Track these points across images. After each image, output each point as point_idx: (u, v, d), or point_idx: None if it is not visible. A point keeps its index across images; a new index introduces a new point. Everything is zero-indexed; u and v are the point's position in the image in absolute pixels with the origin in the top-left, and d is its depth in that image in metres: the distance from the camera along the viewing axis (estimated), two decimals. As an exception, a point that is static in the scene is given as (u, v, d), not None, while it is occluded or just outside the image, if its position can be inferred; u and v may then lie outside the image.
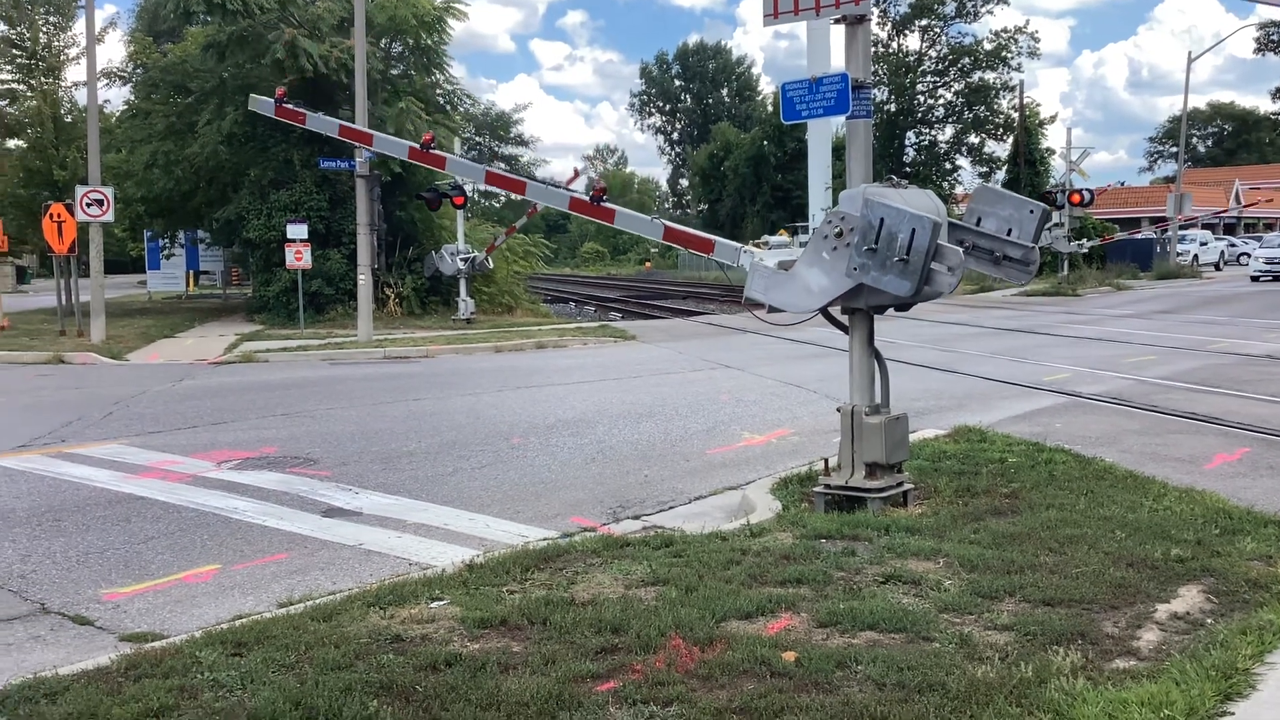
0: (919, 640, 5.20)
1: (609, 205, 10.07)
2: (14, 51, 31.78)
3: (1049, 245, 38.95)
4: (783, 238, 8.18)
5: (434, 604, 5.87)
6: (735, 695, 4.55)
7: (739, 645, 5.07)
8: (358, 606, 5.81)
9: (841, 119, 8.54)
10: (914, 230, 7.27)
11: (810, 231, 8.58)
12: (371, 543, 7.87)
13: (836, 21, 8.29)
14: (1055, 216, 39.55)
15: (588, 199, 10.09)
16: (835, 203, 8.18)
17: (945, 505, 8.07)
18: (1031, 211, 8.28)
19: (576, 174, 28.65)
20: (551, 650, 5.05)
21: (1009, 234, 8.25)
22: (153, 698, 4.48)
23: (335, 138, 30.28)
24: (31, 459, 10.69)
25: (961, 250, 7.72)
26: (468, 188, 31.65)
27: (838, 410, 8.32)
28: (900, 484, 8.25)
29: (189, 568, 7.29)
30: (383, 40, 33.54)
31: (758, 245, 8.41)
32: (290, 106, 13.90)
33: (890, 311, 8.45)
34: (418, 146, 11.90)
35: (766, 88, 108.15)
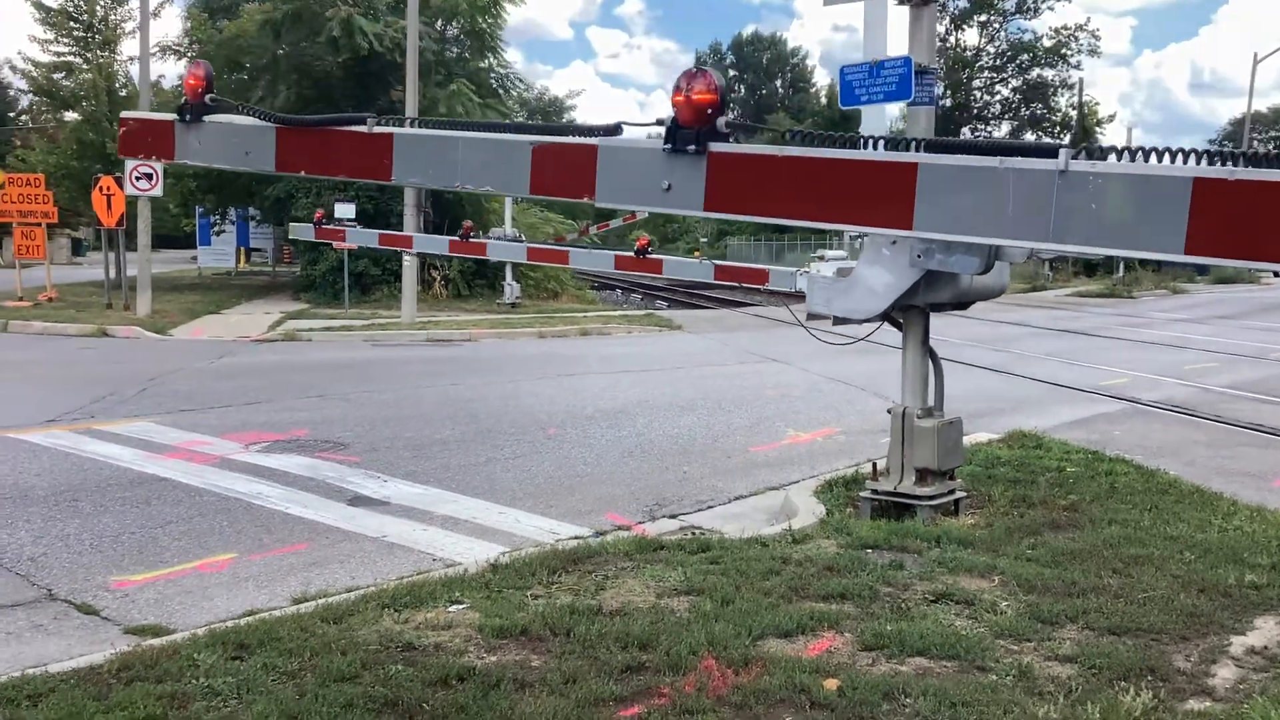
0: (973, 670, 4.78)
1: (655, 256, 9.95)
2: (70, 24, 31.88)
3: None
4: (839, 250, 7.75)
5: (453, 608, 5.52)
6: (770, 727, 4.16)
7: (777, 669, 4.67)
8: (372, 608, 5.47)
9: (898, 109, 8.10)
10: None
11: (860, 241, 8.16)
12: (395, 535, 7.55)
13: (901, 2, 7.83)
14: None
15: (634, 255, 10.05)
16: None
17: (1000, 516, 7.61)
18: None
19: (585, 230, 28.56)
20: (573, 667, 4.68)
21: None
22: (140, 706, 4.16)
23: (388, 114, 30.22)
24: (58, 435, 10.49)
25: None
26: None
27: (888, 411, 7.88)
28: (952, 491, 7.80)
29: (204, 556, 7.00)
30: (438, 21, 33.33)
31: (814, 260, 8.02)
32: (329, 227, 14.04)
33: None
34: (458, 239, 12.04)
35: (821, 80, 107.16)
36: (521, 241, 28.92)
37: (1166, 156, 2.50)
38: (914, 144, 2.78)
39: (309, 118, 3.94)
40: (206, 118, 3.98)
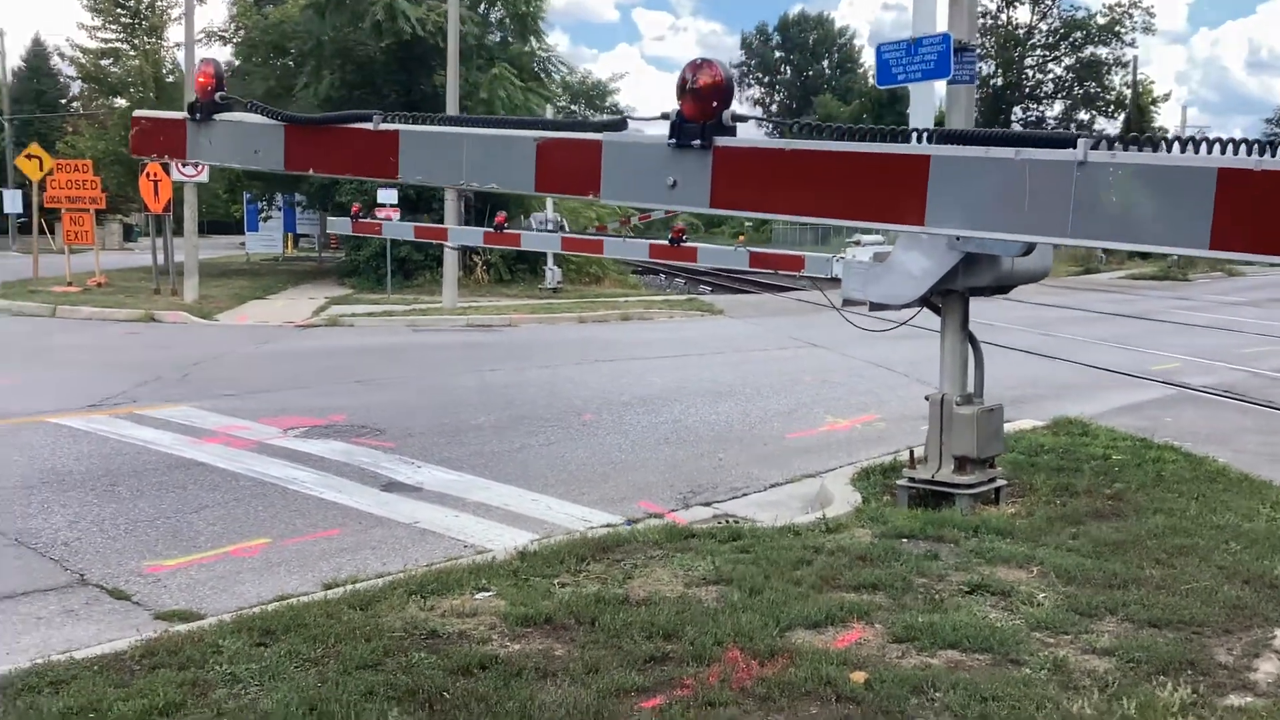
0: (1006, 664, 4.66)
1: (690, 244, 9.86)
2: (118, 10, 32.22)
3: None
4: (875, 235, 7.60)
5: (479, 595, 5.48)
6: (794, 721, 4.07)
7: (803, 660, 4.57)
8: (399, 594, 5.44)
9: (944, 88, 7.92)
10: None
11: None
12: (428, 521, 7.52)
13: (941, -23, 7.66)
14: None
15: (668, 243, 9.94)
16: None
17: (1041, 505, 7.45)
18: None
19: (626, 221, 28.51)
20: (596, 656, 4.61)
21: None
22: (160, 693, 4.14)
23: (429, 103, 30.15)
24: (99, 419, 10.58)
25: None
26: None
27: (926, 399, 7.74)
28: (992, 480, 7.65)
29: (238, 541, 7.02)
30: (480, 5, 33.31)
31: (850, 245, 7.89)
32: (366, 220, 14.09)
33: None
34: (493, 230, 11.99)
35: (868, 60, 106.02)
36: (558, 232, 29.08)
37: (1190, 146, 2.38)
38: (925, 135, 2.67)
39: (316, 115, 3.89)
40: (217, 116, 3.95)
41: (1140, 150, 2.38)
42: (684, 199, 2.94)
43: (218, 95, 3.92)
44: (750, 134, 2.96)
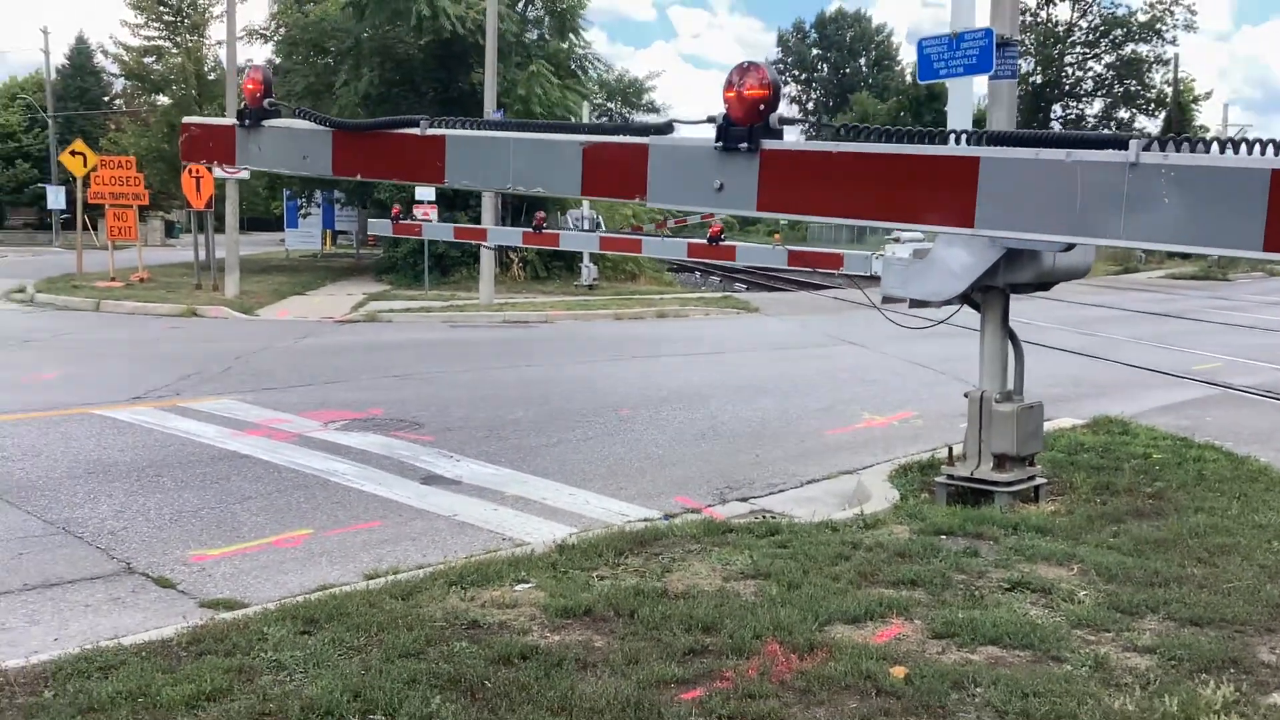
0: (1047, 660, 4.64)
1: (728, 243, 9.91)
2: (160, 8, 32.56)
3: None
4: (914, 232, 7.56)
5: (519, 586, 5.52)
6: (834, 715, 4.08)
7: (842, 655, 4.58)
8: (439, 585, 5.49)
9: (983, 85, 7.88)
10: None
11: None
12: (466, 514, 7.58)
13: (982, -27, 7.62)
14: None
15: (706, 242, 9.99)
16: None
17: (1081, 503, 7.41)
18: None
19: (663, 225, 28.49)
20: (635, 648, 4.64)
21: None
22: (207, 679, 4.21)
23: (466, 99, 30.23)
24: (143, 411, 10.72)
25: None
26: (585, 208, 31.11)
27: (965, 396, 7.71)
28: (1032, 478, 7.61)
29: (281, 531, 7.10)
30: (519, 3, 33.41)
31: (889, 241, 7.87)
32: (406, 221, 14.20)
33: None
34: (532, 230, 12.11)
35: (906, 57, 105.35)
36: (596, 230, 29.12)
37: (1244, 148, 2.36)
38: (975, 137, 2.66)
39: (363, 121, 3.94)
40: (265, 122, 4.00)
41: (1192, 151, 2.36)
42: (730, 202, 2.95)
43: (266, 102, 3.98)
44: (794, 137, 2.97)
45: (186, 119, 4.47)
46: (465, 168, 3.51)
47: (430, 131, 3.54)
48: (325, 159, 3.83)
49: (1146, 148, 2.37)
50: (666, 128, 3.13)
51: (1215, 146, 2.38)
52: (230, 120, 4.16)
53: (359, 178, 3.94)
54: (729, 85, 2.84)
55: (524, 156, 3.36)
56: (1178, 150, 2.37)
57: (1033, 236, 2.61)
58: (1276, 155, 2.31)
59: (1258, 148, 2.37)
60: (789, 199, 2.86)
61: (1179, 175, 2.30)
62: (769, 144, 2.85)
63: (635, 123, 3.65)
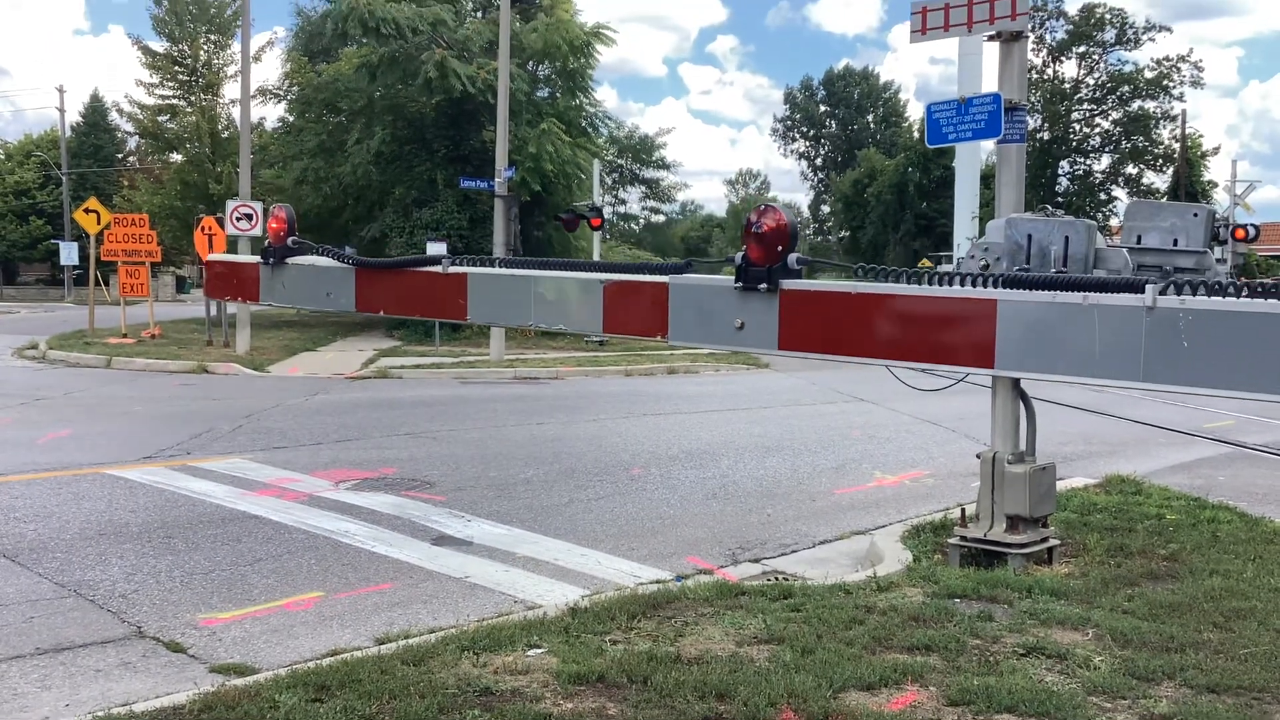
0: (1064, 729, 4.60)
1: None
2: (175, 68, 33.00)
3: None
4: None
5: (531, 652, 5.50)
6: (850, 785, 4.05)
7: (857, 723, 4.55)
8: (451, 650, 5.47)
9: (990, 144, 7.96)
10: (1067, 237, 6.64)
11: (954, 265, 8.03)
12: (478, 576, 7.56)
13: (990, 38, 7.73)
14: (1218, 251, 37.62)
15: None
16: (981, 233, 7.60)
17: (1095, 565, 7.37)
18: (1196, 215, 7.55)
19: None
20: (649, 716, 4.62)
21: (1175, 245, 7.56)
22: (219, 747, 4.20)
23: (477, 157, 30.50)
24: (155, 471, 10.75)
25: (1126, 253, 7.08)
26: (606, 210, 31.55)
27: (977, 456, 7.70)
28: (1045, 539, 7.59)
29: (291, 594, 7.09)
30: (529, 63, 33.83)
31: None
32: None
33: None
34: None
35: (914, 114, 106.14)
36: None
37: (1261, 293, 2.37)
38: (993, 280, 2.69)
39: (386, 260, 3.99)
40: (289, 260, 4.08)
41: (1210, 296, 2.39)
42: (752, 341, 2.99)
43: (290, 240, 4.06)
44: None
45: (211, 256, 4.59)
46: (487, 305, 3.55)
47: (452, 269, 3.58)
48: (349, 295, 3.89)
49: (1163, 291, 2.40)
50: (685, 266, 3.17)
51: (1232, 291, 2.40)
52: (255, 258, 4.24)
53: (381, 313, 3.99)
54: (748, 225, 2.91)
55: (545, 293, 3.40)
56: (1194, 295, 2.40)
57: (1055, 378, 2.63)
58: None
59: (1274, 293, 2.37)
60: (810, 338, 2.89)
61: (1197, 320, 2.33)
62: (788, 284, 2.90)
63: (654, 263, 3.72)
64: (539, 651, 5.51)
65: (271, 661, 5.76)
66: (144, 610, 6.67)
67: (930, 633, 5.78)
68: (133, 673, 5.68)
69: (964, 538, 7.62)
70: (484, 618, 6.38)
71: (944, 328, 2.69)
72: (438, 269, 3.61)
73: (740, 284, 2.93)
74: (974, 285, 2.68)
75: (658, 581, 7.22)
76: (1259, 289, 2.37)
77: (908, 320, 2.73)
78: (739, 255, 2.94)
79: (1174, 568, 7.27)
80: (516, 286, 3.48)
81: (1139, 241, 7.69)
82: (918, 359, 2.81)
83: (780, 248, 2.87)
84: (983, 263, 7.18)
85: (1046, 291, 2.56)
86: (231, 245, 25.50)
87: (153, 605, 6.77)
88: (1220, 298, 2.38)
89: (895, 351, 2.79)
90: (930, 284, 2.76)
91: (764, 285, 2.89)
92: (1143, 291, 2.40)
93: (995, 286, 2.66)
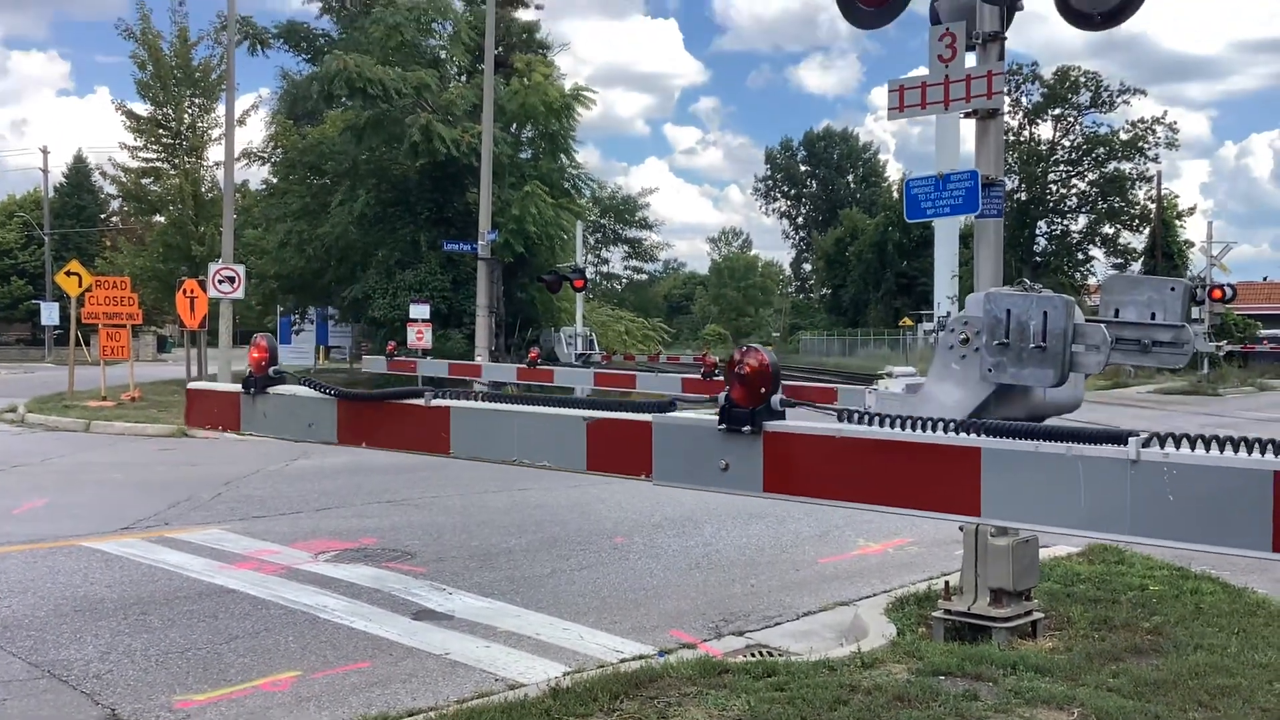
0: (1050, 817, 4.55)
1: (720, 379, 10.14)
2: (159, 131, 33.09)
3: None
4: (907, 367, 7.66)
5: (511, 736, 5.42)
6: None
7: (842, 812, 4.49)
8: (430, 735, 5.39)
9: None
10: (1045, 313, 6.68)
11: (935, 338, 8.08)
12: (458, 653, 7.48)
13: (966, 115, 7.83)
14: (1194, 311, 37.95)
15: (701, 377, 10.20)
16: (960, 295, 7.68)
17: (1079, 639, 7.33)
18: (1173, 289, 7.60)
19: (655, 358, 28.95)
20: (631, 807, 4.54)
21: (1152, 318, 7.62)
22: (192, 845, 4.11)
23: (460, 219, 30.65)
24: (131, 543, 10.63)
25: (1104, 329, 7.12)
26: (589, 270, 31.74)
27: (960, 528, 7.69)
28: (1029, 612, 7.55)
29: (268, 674, 6.99)
30: (512, 125, 34.12)
31: (883, 376, 7.95)
32: (400, 359, 14.66)
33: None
34: (526, 366, 12.73)
35: (894, 174, 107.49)
36: (590, 350, 29.29)
37: (1243, 448, 2.38)
38: (976, 428, 2.70)
39: (368, 392, 3.99)
40: (270, 390, 4.09)
41: (1193, 450, 2.41)
42: (736, 483, 2.99)
43: (271, 370, 4.07)
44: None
45: (191, 385, 4.61)
46: (470, 440, 3.53)
47: (435, 403, 3.58)
48: (330, 428, 3.89)
49: (1145, 444, 2.42)
50: (669, 406, 3.19)
51: (1215, 446, 2.41)
52: (236, 388, 4.25)
53: (364, 446, 3.97)
54: (730, 367, 2.92)
55: (528, 430, 3.38)
56: (1177, 448, 2.42)
57: (1041, 528, 2.64)
58: (1277, 456, 2.33)
59: (1257, 448, 2.39)
60: (796, 482, 2.89)
61: (1181, 473, 2.34)
62: (771, 425, 2.90)
63: (637, 401, 3.75)
64: (519, 736, 5.43)
65: (247, 746, 5.67)
66: (119, 692, 6.56)
67: (915, 714, 5.73)
68: (105, 760, 5.58)
69: (948, 611, 7.58)
70: (464, 698, 6.30)
71: (931, 474, 2.70)
72: (420, 402, 3.60)
73: (724, 425, 2.93)
74: (958, 433, 2.69)
75: (641, 657, 7.15)
76: (1254, 444, 2.38)
77: (895, 465, 2.74)
78: (723, 395, 2.94)
79: (1158, 642, 7.24)
80: (500, 422, 3.46)
81: (1117, 315, 7.76)
82: (906, 505, 2.81)
83: (763, 389, 2.87)
84: (962, 336, 7.23)
85: (1029, 440, 2.56)
86: (214, 306, 25.48)
87: (127, 686, 6.66)
88: (1204, 450, 2.39)
89: (882, 496, 2.79)
90: (915, 429, 2.77)
91: (748, 428, 2.89)
92: (1125, 443, 2.41)
93: (979, 435, 2.66)
